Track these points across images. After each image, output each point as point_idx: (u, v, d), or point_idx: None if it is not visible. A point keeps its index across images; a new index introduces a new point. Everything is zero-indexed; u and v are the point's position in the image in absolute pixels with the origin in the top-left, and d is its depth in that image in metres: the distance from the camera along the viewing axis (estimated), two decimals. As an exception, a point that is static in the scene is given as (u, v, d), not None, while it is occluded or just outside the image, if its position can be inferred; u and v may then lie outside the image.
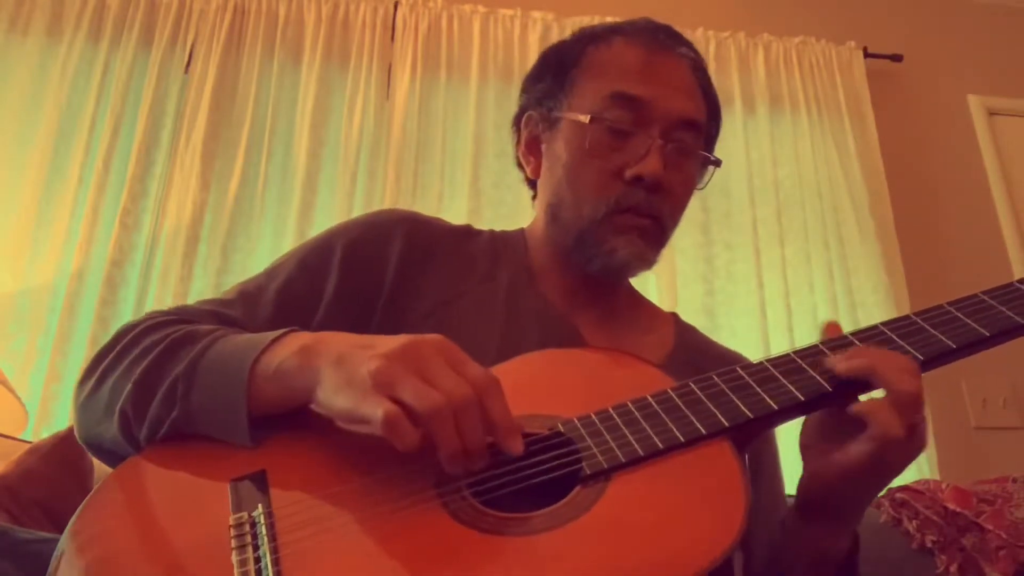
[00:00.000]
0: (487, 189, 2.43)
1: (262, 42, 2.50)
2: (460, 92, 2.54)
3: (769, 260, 2.47)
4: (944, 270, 2.63)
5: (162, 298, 2.12)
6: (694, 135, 0.89)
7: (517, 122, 0.99)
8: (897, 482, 1.81)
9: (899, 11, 3.02)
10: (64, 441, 1.44)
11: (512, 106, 1.02)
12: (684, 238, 2.48)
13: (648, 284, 2.36)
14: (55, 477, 1.38)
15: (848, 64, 2.79)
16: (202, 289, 2.16)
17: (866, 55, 2.81)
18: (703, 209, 2.54)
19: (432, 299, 0.87)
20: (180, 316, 0.80)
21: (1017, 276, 2.93)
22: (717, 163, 0.92)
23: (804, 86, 2.71)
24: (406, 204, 2.34)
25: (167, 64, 2.43)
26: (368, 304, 0.86)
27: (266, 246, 2.28)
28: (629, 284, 1.00)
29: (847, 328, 0.72)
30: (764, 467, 0.90)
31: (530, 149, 0.97)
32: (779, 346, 2.34)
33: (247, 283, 0.88)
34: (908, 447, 0.65)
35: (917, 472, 2.20)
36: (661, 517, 0.58)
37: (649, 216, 0.87)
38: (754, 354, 2.39)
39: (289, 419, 0.68)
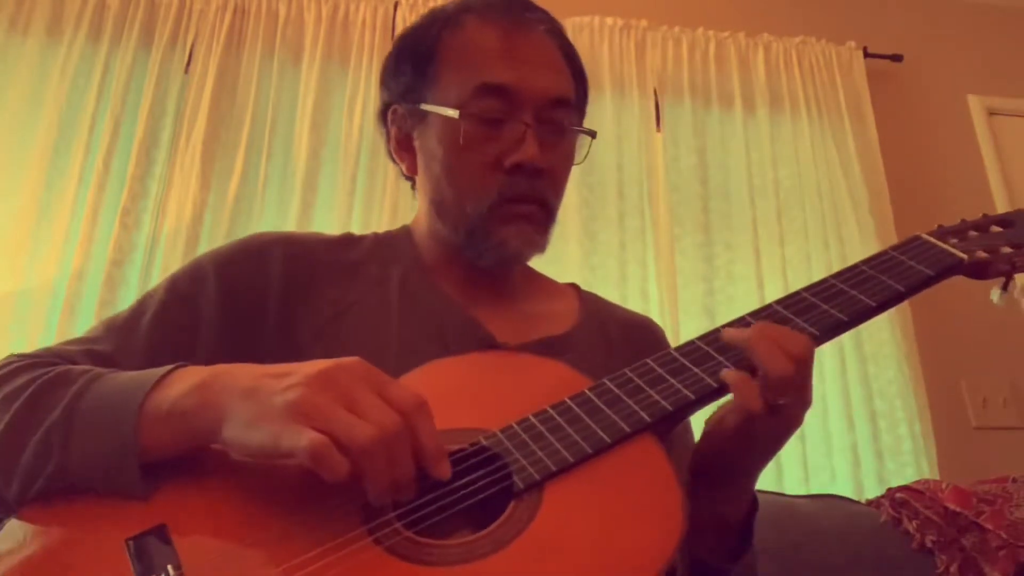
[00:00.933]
0: (487, 189, 2.43)
1: (262, 42, 2.49)
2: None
3: (769, 260, 2.47)
4: (944, 270, 2.63)
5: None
6: (566, 111, 0.88)
7: (383, 117, 0.95)
8: (897, 482, 1.81)
9: (899, 11, 3.02)
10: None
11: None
12: (684, 238, 2.48)
13: (648, 284, 2.36)
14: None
15: (848, 64, 2.79)
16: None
17: (866, 55, 2.81)
18: (703, 209, 2.54)
19: (322, 314, 0.83)
20: (46, 358, 0.72)
21: (1017, 276, 2.92)
22: (592, 134, 0.91)
23: (804, 86, 2.71)
24: (406, 204, 2.34)
25: (167, 64, 2.43)
26: (252, 330, 0.81)
27: (266, 246, 2.28)
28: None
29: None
30: (675, 441, 0.90)
31: (402, 145, 0.93)
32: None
33: (114, 318, 0.82)
34: (773, 423, 0.66)
35: (917, 472, 2.20)
36: (602, 526, 0.57)
37: (534, 202, 0.85)
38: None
39: (179, 465, 0.61)
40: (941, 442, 2.31)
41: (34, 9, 2.42)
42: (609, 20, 2.68)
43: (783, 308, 0.73)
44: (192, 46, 2.46)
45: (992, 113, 2.91)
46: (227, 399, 0.59)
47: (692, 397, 0.67)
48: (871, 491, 2.04)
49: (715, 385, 0.67)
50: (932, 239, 0.78)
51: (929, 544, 1.33)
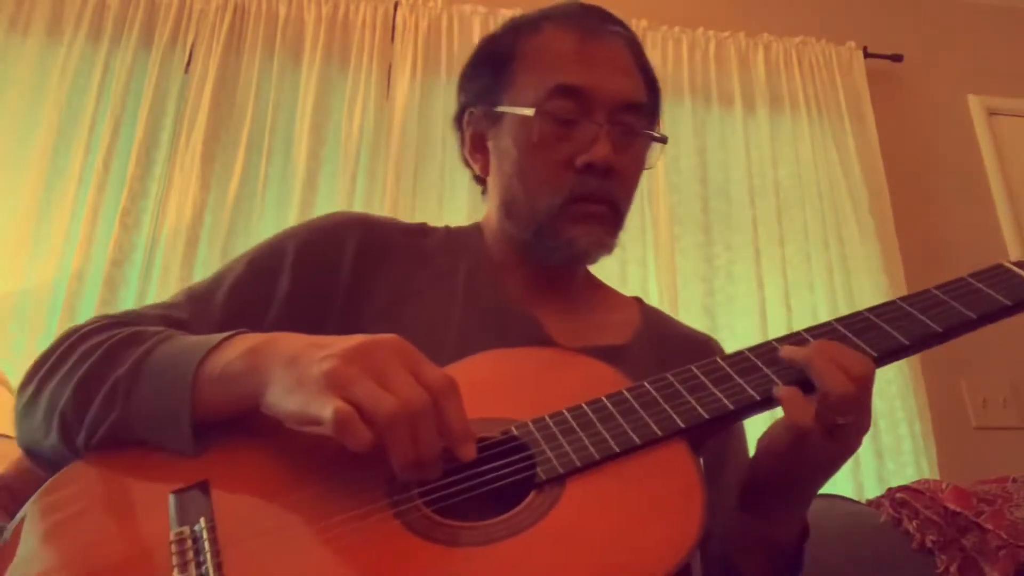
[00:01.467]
0: (487, 189, 2.43)
1: (262, 42, 2.49)
2: (460, 92, 2.54)
3: (769, 260, 2.47)
4: (944, 270, 2.62)
5: (162, 298, 2.11)
6: (638, 116, 0.89)
7: (459, 121, 0.97)
8: (897, 482, 1.81)
9: (899, 11, 3.02)
10: (64, 441, 1.44)
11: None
12: (684, 238, 2.49)
13: (648, 284, 2.36)
14: (55, 477, 1.38)
15: (848, 64, 2.79)
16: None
17: (866, 55, 2.81)
18: (703, 209, 2.54)
19: (387, 297, 0.86)
20: (127, 319, 0.77)
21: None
22: (663, 140, 0.92)
23: (804, 86, 2.71)
24: (406, 204, 2.34)
25: (167, 64, 2.43)
26: (322, 307, 0.84)
27: (266, 246, 2.28)
28: (586, 270, 0.99)
29: None
30: (729, 460, 0.89)
31: (476, 147, 0.96)
32: (779, 346, 2.34)
33: (195, 286, 0.86)
34: (829, 446, 0.64)
35: (917, 472, 2.20)
36: (618, 522, 0.57)
37: (604, 202, 0.86)
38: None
39: (232, 426, 0.65)
40: (941, 442, 2.31)
41: (34, 9, 2.42)
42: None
43: (843, 327, 0.70)
44: (192, 46, 2.46)
45: (992, 113, 2.91)
46: (272, 366, 0.62)
47: (731, 407, 0.65)
48: (871, 491, 2.04)
49: (757, 397, 0.65)
50: (1015, 268, 0.74)
51: (929, 544, 1.33)
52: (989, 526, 1.33)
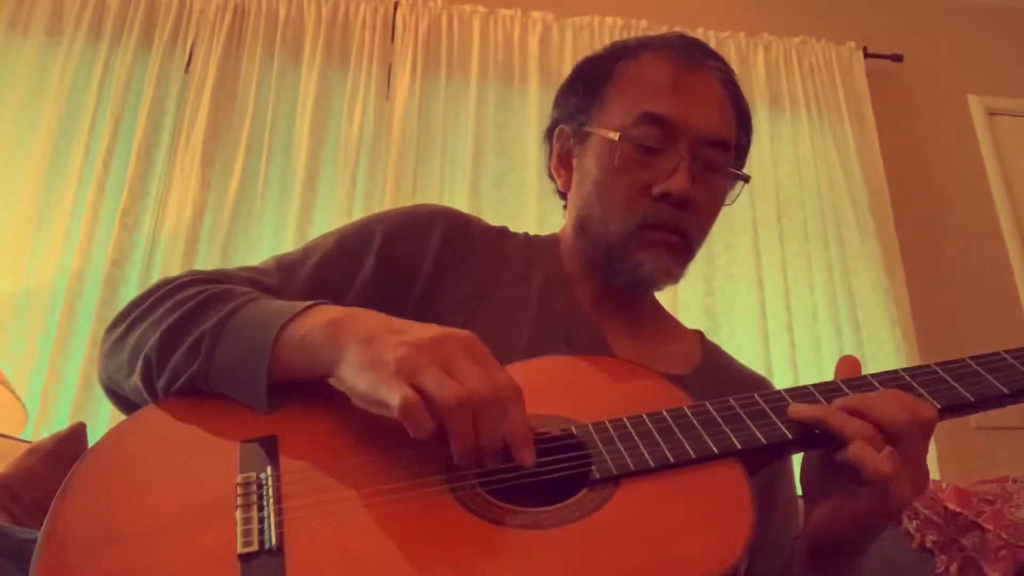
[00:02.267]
0: (487, 189, 2.43)
1: (262, 42, 2.50)
2: (460, 92, 2.54)
3: (769, 260, 2.47)
4: (944, 270, 2.63)
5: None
6: (722, 151, 0.90)
7: (549, 135, 1.00)
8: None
9: (899, 11, 3.02)
10: (64, 441, 1.44)
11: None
12: (684, 238, 2.48)
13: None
14: (55, 477, 1.38)
15: (848, 64, 2.79)
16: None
17: (866, 55, 2.82)
18: (703, 209, 2.54)
19: (465, 292, 0.88)
20: (219, 277, 0.81)
21: (1017, 276, 2.89)
22: (746, 179, 0.94)
23: (804, 86, 2.71)
24: (406, 204, 2.34)
25: (167, 64, 2.43)
26: (402, 293, 0.87)
27: (266, 246, 2.28)
28: (654, 297, 1.01)
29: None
30: (778, 499, 0.90)
31: (561, 162, 0.98)
32: (779, 346, 2.34)
33: (284, 256, 0.89)
34: (880, 500, 0.63)
35: (917, 472, 2.20)
36: (666, 527, 0.59)
37: (676, 232, 0.88)
38: (755, 354, 2.36)
39: (306, 390, 0.68)
40: (941, 442, 2.31)
41: (34, 9, 2.42)
42: (609, 20, 2.68)
43: (910, 376, 0.70)
44: (192, 46, 2.46)
45: (992, 113, 2.91)
46: (348, 341, 0.64)
47: (790, 437, 0.66)
48: (871, 491, 2.04)
49: (817, 433, 0.66)
50: None
51: (929, 544, 1.33)
52: (989, 526, 1.33)
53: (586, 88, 0.95)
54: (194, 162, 2.30)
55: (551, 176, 1.01)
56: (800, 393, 0.70)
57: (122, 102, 2.36)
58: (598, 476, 0.62)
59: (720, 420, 0.67)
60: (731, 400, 0.70)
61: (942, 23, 3.04)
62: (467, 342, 0.63)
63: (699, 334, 1.02)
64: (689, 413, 0.68)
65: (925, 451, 0.64)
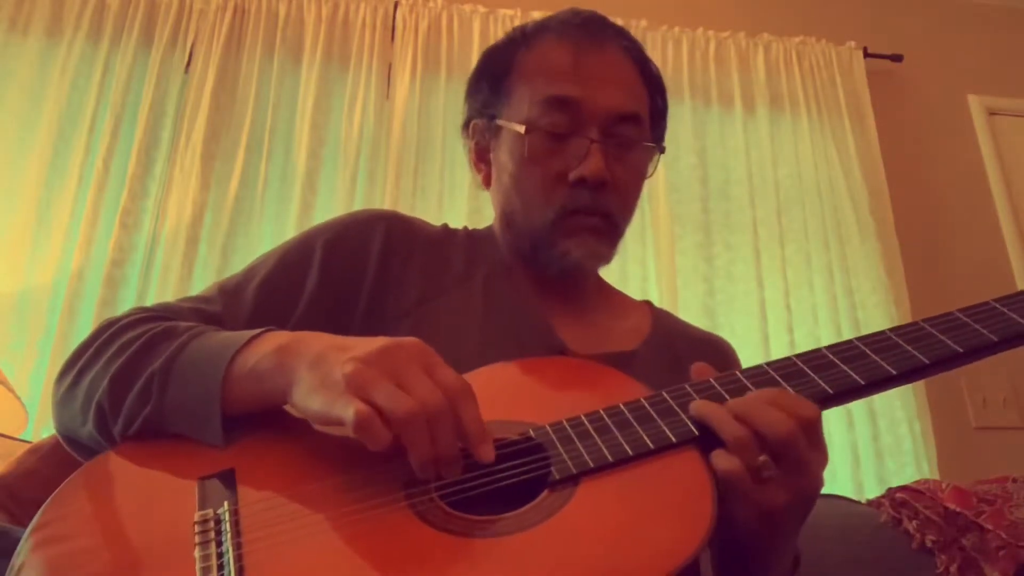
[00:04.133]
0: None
1: (262, 42, 2.49)
2: (460, 92, 2.51)
3: (769, 260, 2.47)
4: (944, 270, 2.63)
5: (162, 298, 2.11)
6: (633, 126, 0.89)
7: (465, 131, 0.99)
8: (897, 482, 1.81)
9: (899, 11, 3.02)
10: (64, 441, 1.44)
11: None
12: (684, 238, 2.49)
13: (648, 284, 2.36)
14: (55, 477, 1.37)
15: (848, 64, 2.79)
16: (202, 289, 2.16)
17: (866, 55, 2.81)
18: (703, 209, 2.54)
19: (411, 297, 0.87)
20: (162, 313, 0.80)
21: (1017, 276, 2.89)
22: (660, 150, 0.93)
23: (804, 86, 2.71)
24: (406, 204, 2.34)
25: (167, 64, 2.43)
26: (348, 302, 0.86)
27: (266, 246, 2.26)
28: (597, 276, 1.00)
29: (849, 334, 0.72)
30: None
31: (480, 157, 0.97)
32: (779, 346, 2.34)
33: (227, 280, 0.88)
34: (772, 493, 0.61)
35: (917, 472, 2.20)
36: (627, 520, 0.59)
37: (598, 214, 0.87)
38: (755, 354, 2.36)
39: (261, 420, 0.68)
40: (941, 442, 2.31)
41: (34, 9, 2.42)
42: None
43: (802, 362, 0.70)
44: (192, 46, 2.46)
45: (992, 113, 2.91)
46: (297, 365, 0.64)
47: (696, 433, 0.66)
48: (871, 491, 2.04)
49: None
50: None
51: (929, 544, 1.33)
52: (989, 526, 1.33)
53: (490, 81, 0.94)
54: (194, 162, 2.30)
55: (473, 172, 1.00)
56: (755, 372, 0.69)
57: (122, 102, 2.36)
58: (557, 477, 0.62)
59: (677, 408, 0.67)
60: (687, 387, 0.69)
61: (942, 23, 3.04)
62: (414, 350, 0.63)
63: (648, 304, 1.01)
64: (647, 404, 0.68)
65: (813, 458, 0.62)
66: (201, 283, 2.18)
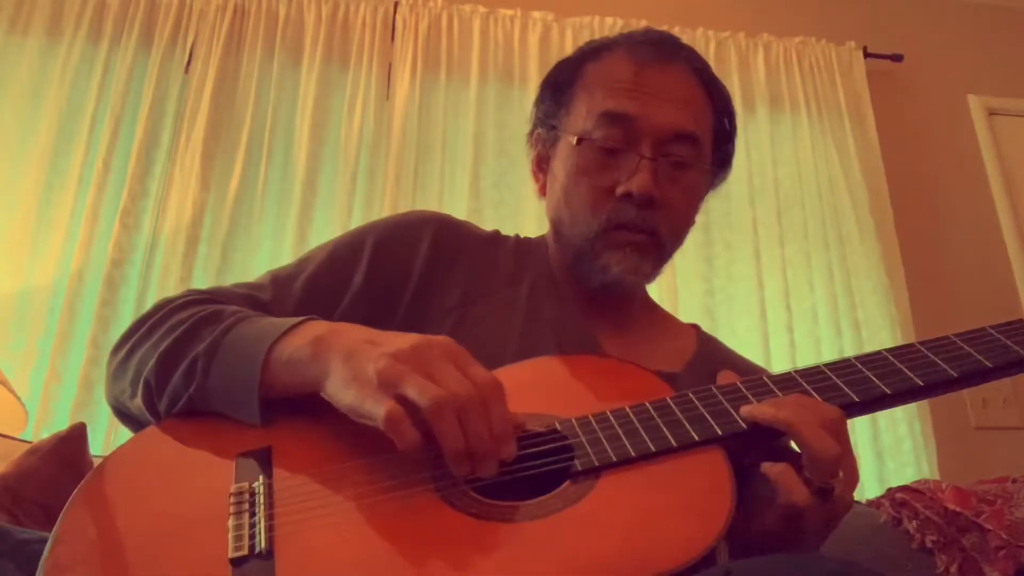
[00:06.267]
0: (487, 189, 2.43)
1: (262, 42, 2.49)
2: (460, 92, 2.54)
3: (769, 260, 2.47)
4: (944, 270, 2.63)
5: (162, 297, 2.11)
6: (691, 146, 0.89)
7: (529, 139, 1.00)
8: (897, 482, 1.81)
9: (899, 11, 3.02)
10: (64, 441, 1.44)
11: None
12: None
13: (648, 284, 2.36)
14: (55, 477, 1.38)
15: (848, 64, 2.79)
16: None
17: (866, 55, 2.81)
18: (703, 210, 2.52)
19: (455, 298, 0.89)
20: (213, 296, 0.83)
21: (1017, 276, 2.89)
22: (716, 174, 0.94)
23: (804, 86, 2.71)
24: (406, 205, 2.34)
25: (167, 64, 2.43)
26: (392, 300, 0.88)
27: (266, 246, 2.28)
28: (646, 295, 1.01)
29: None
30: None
31: (539, 167, 0.98)
32: (779, 346, 2.34)
33: (279, 270, 0.91)
34: (822, 510, 0.63)
35: (917, 472, 2.20)
36: (645, 513, 0.60)
37: (644, 231, 0.87)
38: (755, 354, 2.36)
39: (300, 402, 0.70)
40: (941, 442, 2.31)
41: (34, 9, 2.42)
42: (609, 20, 2.68)
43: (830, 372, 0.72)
44: (192, 46, 2.46)
45: (992, 113, 2.91)
46: (332, 357, 0.67)
47: (744, 427, 0.67)
48: (871, 491, 2.04)
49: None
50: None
51: (929, 544, 1.33)
52: (989, 526, 1.33)
53: (553, 92, 0.95)
54: (194, 162, 2.30)
55: (534, 180, 1.01)
56: (783, 378, 0.71)
57: (122, 102, 2.35)
58: (580, 468, 0.64)
59: (703, 408, 0.68)
60: (713, 388, 0.71)
61: (942, 23, 3.04)
62: (445, 347, 0.64)
63: (695, 328, 1.01)
64: (672, 404, 0.69)
65: (840, 479, 0.64)
66: (201, 283, 2.18)
